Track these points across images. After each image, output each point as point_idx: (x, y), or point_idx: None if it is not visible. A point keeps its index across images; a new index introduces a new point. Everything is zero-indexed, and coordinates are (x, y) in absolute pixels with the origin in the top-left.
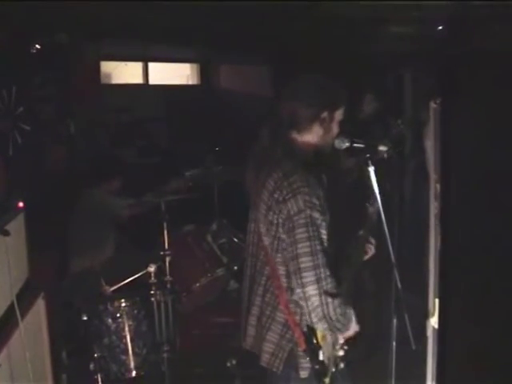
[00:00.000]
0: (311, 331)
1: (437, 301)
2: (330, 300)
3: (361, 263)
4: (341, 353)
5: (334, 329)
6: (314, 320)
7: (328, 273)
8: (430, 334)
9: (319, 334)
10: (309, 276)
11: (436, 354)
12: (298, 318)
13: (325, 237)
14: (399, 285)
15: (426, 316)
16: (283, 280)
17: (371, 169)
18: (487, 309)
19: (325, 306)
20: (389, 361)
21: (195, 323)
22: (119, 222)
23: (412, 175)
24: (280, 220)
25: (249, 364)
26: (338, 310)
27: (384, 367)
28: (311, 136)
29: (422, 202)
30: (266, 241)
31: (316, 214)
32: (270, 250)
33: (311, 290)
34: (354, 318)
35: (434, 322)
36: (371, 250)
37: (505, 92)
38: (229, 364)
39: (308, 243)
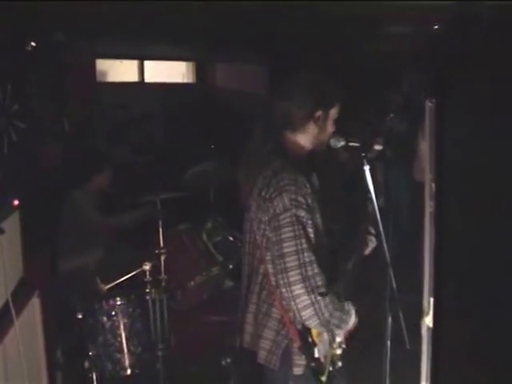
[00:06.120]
0: (306, 328)
1: (431, 300)
2: (319, 298)
3: (362, 256)
4: (338, 351)
5: (329, 325)
6: (304, 318)
7: (316, 271)
8: (424, 333)
9: (314, 332)
10: (295, 275)
11: (430, 353)
12: (291, 315)
13: (312, 235)
14: (394, 284)
15: (420, 315)
16: (272, 278)
17: (366, 168)
18: (482, 308)
19: (316, 305)
20: (383, 360)
21: (190, 321)
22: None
23: (406, 173)
24: (267, 218)
25: (244, 362)
26: (330, 307)
27: (378, 366)
28: (306, 135)
29: (417, 200)
30: (258, 239)
31: (302, 213)
32: (261, 247)
33: (298, 289)
34: (353, 312)
35: (428, 321)
36: (373, 242)
37: (502, 91)
38: (224, 362)
39: (294, 242)
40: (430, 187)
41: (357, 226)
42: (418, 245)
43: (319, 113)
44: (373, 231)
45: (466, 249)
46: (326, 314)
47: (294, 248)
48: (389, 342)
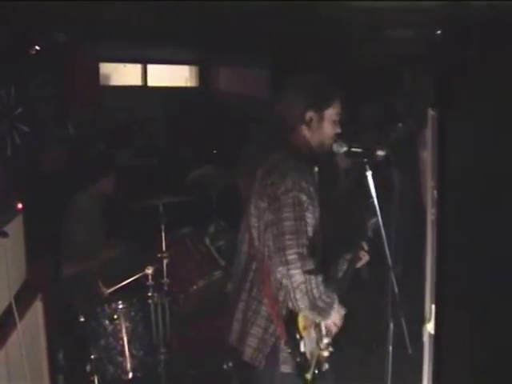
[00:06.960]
0: (293, 321)
1: (433, 306)
2: (312, 277)
3: (353, 269)
4: (325, 353)
5: (316, 308)
6: (298, 296)
7: (311, 253)
8: (426, 339)
9: (301, 325)
10: (292, 254)
11: (432, 359)
12: (281, 306)
13: (310, 221)
14: (396, 289)
15: (422, 321)
16: (268, 259)
17: (369, 173)
18: (484, 315)
19: (308, 283)
20: (385, 365)
21: (192, 325)
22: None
23: (408, 180)
24: (267, 203)
25: (245, 366)
26: (322, 288)
27: (380, 371)
28: (301, 136)
29: (419, 206)
30: (255, 233)
31: (303, 197)
32: (257, 240)
33: (294, 268)
34: (336, 306)
35: (430, 327)
36: (365, 257)
37: (504, 99)
38: (225, 366)
39: (293, 222)
40: (432, 194)
41: (350, 237)
42: (421, 251)
43: (310, 114)
44: (365, 247)
45: (467, 256)
46: (317, 294)
47: (293, 228)
48: (391, 347)
